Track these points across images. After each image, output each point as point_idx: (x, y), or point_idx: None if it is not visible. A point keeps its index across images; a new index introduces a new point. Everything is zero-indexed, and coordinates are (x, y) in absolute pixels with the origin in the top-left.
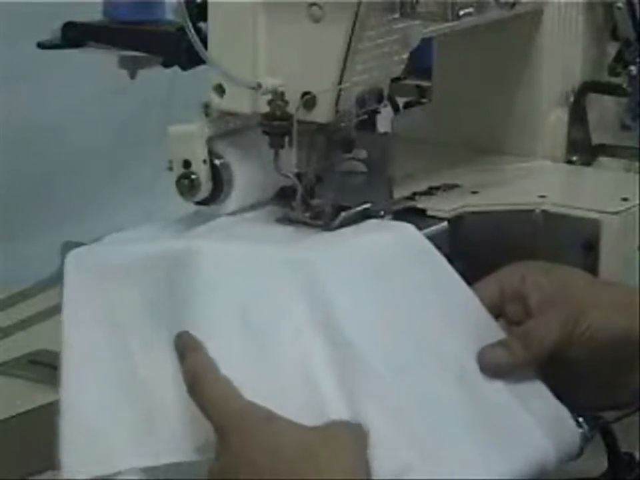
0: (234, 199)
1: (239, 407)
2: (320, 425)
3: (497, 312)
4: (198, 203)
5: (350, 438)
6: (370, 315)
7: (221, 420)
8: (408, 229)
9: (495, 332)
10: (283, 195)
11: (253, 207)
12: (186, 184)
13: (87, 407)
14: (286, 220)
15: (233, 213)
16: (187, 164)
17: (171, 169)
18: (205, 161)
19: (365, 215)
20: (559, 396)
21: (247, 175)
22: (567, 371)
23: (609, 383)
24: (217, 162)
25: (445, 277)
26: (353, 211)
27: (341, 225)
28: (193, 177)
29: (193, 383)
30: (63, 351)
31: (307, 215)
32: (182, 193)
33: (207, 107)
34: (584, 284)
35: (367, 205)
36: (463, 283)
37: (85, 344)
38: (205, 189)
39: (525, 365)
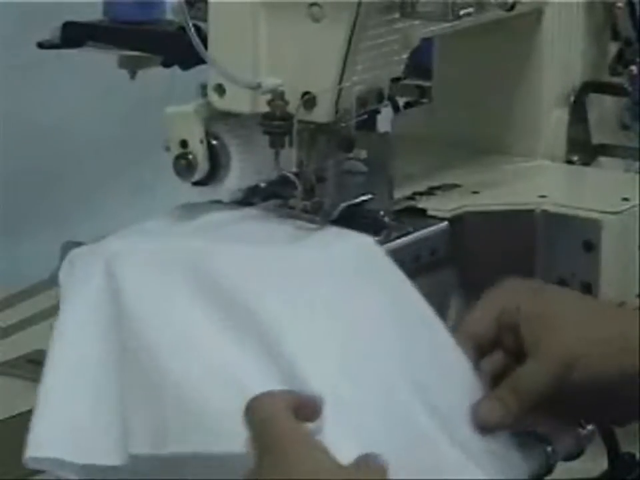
0: (231, 180)
1: (281, 431)
2: (350, 464)
3: (494, 344)
4: (195, 184)
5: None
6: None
7: (262, 439)
8: (368, 240)
9: (456, 355)
10: (282, 188)
11: (250, 204)
12: (183, 164)
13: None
14: (284, 215)
15: (231, 202)
16: (184, 144)
17: (168, 149)
18: (201, 141)
19: (365, 215)
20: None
21: (245, 156)
22: (563, 403)
23: (607, 411)
24: (214, 142)
25: (403, 295)
26: (349, 202)
27: (339, 217)
28: (190, 157)
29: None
30: (50, 350)
31: (305, 209)
32: (179, 173)
33: (204, 87)
34: (575, 313)
35: (366, 198)
36: (423, 302)
37: (81, 341)
38: (202, 169)
39: (519, 417)
